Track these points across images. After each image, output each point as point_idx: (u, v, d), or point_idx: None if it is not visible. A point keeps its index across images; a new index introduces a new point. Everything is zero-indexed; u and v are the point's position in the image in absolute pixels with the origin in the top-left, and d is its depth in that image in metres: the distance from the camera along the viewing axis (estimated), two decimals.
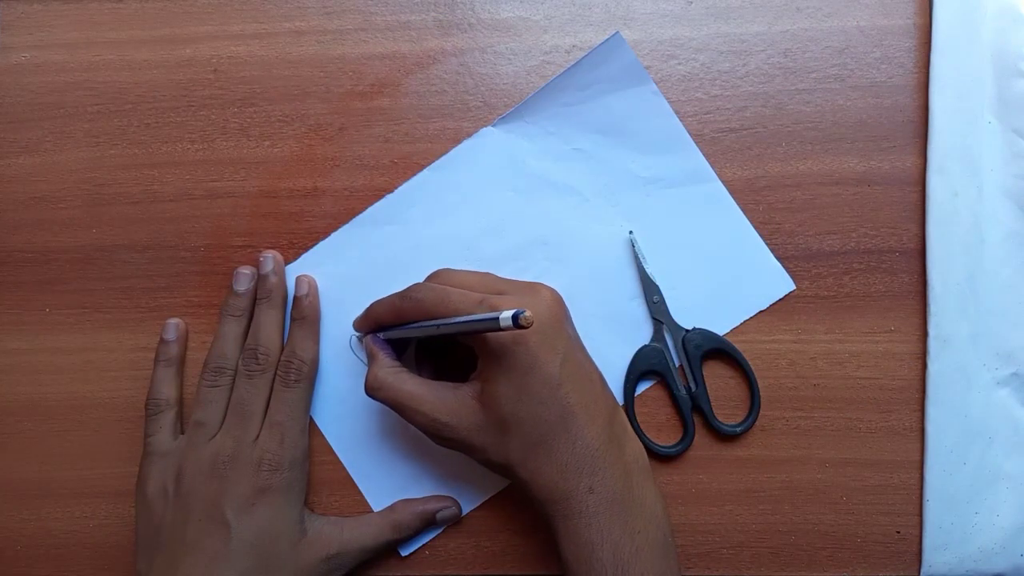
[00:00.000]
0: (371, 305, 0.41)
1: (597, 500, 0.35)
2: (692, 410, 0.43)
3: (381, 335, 0.41)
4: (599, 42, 0.44)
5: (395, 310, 0.39)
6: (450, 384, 0.38)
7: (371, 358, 0.40)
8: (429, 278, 0.41)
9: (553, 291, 0.39)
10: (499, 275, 0.41)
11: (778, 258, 0.44)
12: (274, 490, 0.40)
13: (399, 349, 0.42)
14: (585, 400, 0.37)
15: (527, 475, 0.36)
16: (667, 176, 0.44)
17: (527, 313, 0.32)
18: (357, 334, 0.44)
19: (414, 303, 0.38)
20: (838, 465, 0.43)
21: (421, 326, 0.38)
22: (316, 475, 0.44)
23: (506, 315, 0.32)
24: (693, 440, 0.43)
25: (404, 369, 0.40)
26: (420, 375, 0.40)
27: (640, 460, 0.38)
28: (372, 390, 0.39)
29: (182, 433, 0.43)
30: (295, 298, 0.44)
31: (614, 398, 0.39)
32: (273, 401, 0.42)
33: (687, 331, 0.43)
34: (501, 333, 0.35)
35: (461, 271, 0.41)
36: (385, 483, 0.43)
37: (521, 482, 0.37)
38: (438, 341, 0.42)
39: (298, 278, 0.44)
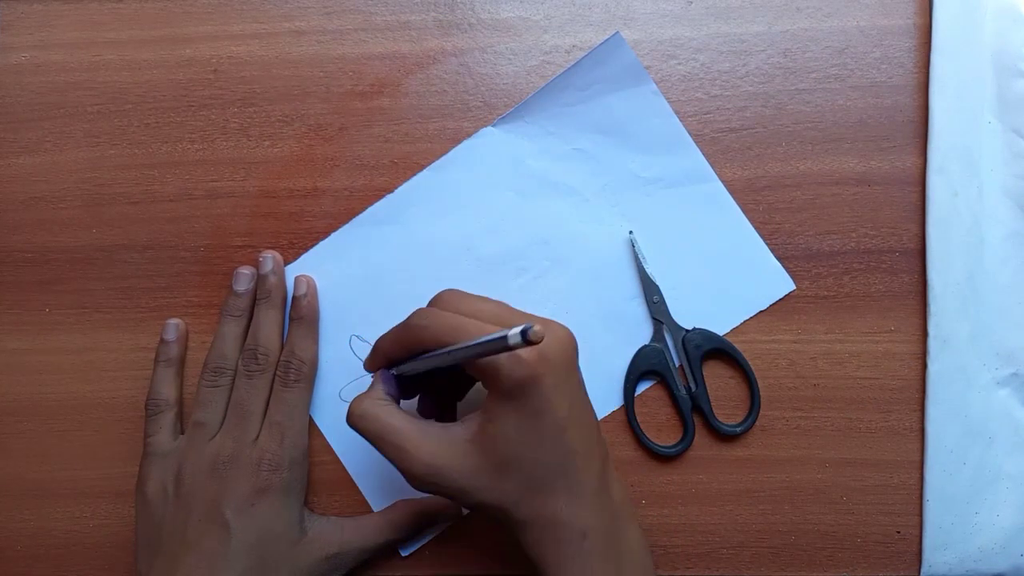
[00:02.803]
0: (376, 341, 0.39)
1: (591, 545, 0.35)
2: (692, 410, 0.43)
3: (393, 371, 0.39)
4: (599, 42, 0.44)
5: (399, 340, 0.37)
6: (439, 424, 0.37)
7: (368, 389, 0.38)
8: (433, 302, 0.38)
9: (567, 330, 0.37)
10: (509, 299, 0.39)
11: (778, 258, 0.44)
12: (274, 490, 0.40)
13: (410, 391, 0.40)
14: (586, 445, 0.36)
15: (522, 517, 0.35)
16: (667, 176, 0.44)
17: (536, 327, 0.30)
18: (357, 334, 0.44)
19: (419, 330, 0.36)
20: (838, 465, 0.43)
21: (432, 355, 0.36)
22: (316, 475, 0.44)
23: (515, 332, 0.30)
24: (693, 440, 0.43)
25: (392, 402, 0.37)
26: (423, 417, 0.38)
27: (626, 503, 0.38)
28: (354, 418, 0.36)
29: (182, 433, 0.43)
30: (294, 298, 0.44)
31: (605, 442, 0.39)
32: (273, 401, 0.42)
33: (687, 331, 0.43)
34: (515, 372, 0.34)
35: (471, 296, 0.38)
36: (385, 483, 0.43)
37: (514, 523, 0.36)
38: (447, 387, 0.40)
39: (297, 278, 0.44)
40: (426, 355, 0.36)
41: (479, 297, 0.38)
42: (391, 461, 0.36)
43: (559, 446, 0.35)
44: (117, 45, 0.46)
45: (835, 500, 0.43)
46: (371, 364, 0.39)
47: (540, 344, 0.33)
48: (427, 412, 0.41)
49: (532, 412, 0.34)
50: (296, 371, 0.42)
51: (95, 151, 0.45)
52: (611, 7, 0.45)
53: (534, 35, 0.45)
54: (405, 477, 0.36)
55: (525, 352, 0.34)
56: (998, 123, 0.44)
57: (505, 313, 0.37)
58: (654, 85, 0.45)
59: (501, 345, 0.31)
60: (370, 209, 0.45)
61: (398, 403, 0.38)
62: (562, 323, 0.37)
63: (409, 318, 0.37)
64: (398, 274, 0.44)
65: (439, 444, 0.35)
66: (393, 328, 0.38)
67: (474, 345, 0.33)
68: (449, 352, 0.35)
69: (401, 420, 0.36)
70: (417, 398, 0.41)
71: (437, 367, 0.36)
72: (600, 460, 0.37)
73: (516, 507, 0.35)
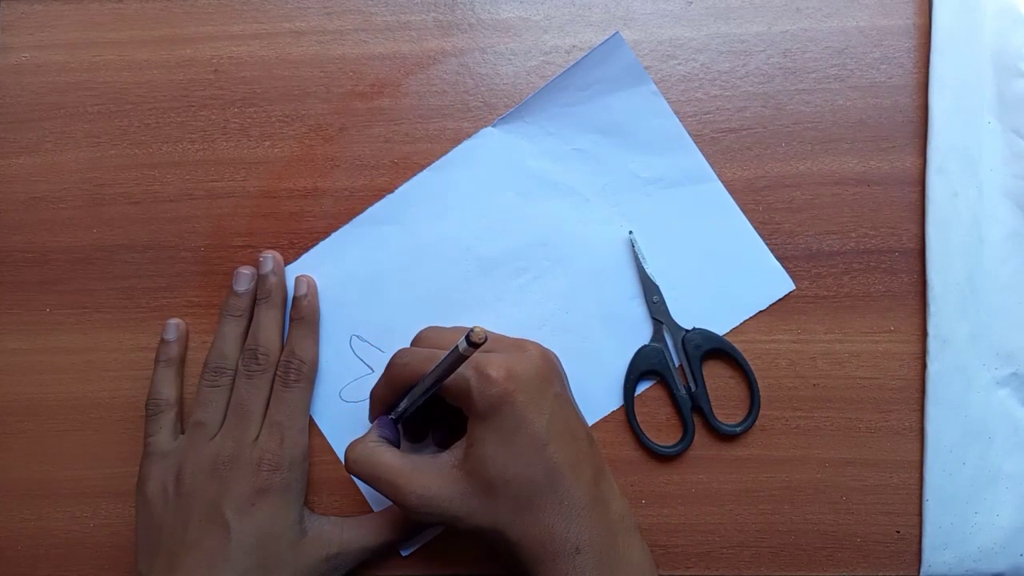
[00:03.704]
0: (371, 391, 0.40)
1: (584, 560, 0.35)
2: (692, 410, 0.43)
3: (392, 416, 0.40)
4: (599, 42, 0.44)
5: (387, 382, 0.39)
6: (428, 455, 0.38)
7: (363, 434, 0.40)
8: (414, 341, 0.40)
9: (541, 348, 0.38)
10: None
11: (778, 258, 0.44)
12: (274, 490, 0.40)
13: (419, 433, 0.42)
14: (571, 459, 0.36)
15: (516, 537, 0.36)
16: (667, 176, 0.45)
17: (476, 328, 0.31)
18: (357, 334, 0.44)
19: (400, 368, 0.38)
20: (838, 465, 0.43)
21: (413, 389, 0.38)
22: (316, 475, 0.44)
23: (461, 340, 0.32)
24: (693, 440, 0.43)
25: (384, 443, 0.38)
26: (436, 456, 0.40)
27: (626, 518, 0.38)
28: (349, 463, 0.38)
29: (182, 433, 0.43)
30: (294, 298, 0.44)
31: (600, 456, 0.39)
32: (273, 401, 0.42)
33: (687, 331, 0.43)
34: (485, 392, 0.35)
35: (447, 329, 0.40)
36: None
37: (509, 543, 0.36)
38: (452, 424, 0.41)
39: (297, 278, 0.44)
40: (413, 390, 0.38)
41: (456, 328, 0.40)
42: (388, 498, 0.37)
43: (541, 461, 0.36)
44: (117, 45, 0.46)
45: (835, 500, 0.43)
46: (371, 415, 0.41)
47: (510, 363, 0.36)
48: (444, 441, 0.42)
49: (509, 430, 0.35)
50: (296, 371, 0.42)
51: (96, 151, 0.45)
52: (611, 7, 0.45)
53: (534, 35, 0.45)
54: (402, 509, 0.37)
55: (494, 372, 0.35)
56: (998, 123, 0.44)
57: None
58: (654, 85, 0.45)
59: (456, 357, 0.33)
60: (370, 209, 0.45)
61: (397, 446, 0.39)
62: (537, 342, 0.39)
63: (391, 359, 0.39)
64: (398, 274, 0.44)
65: (429, 474, 0.37)
66: (381, 376, 0.39)
67: (437, 367, 0.35)
68: (423, 381, 0.36)
69: (392, 458, 0.37)
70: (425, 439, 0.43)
71: (423, 398, 0.37)
72: (591, 474, 0.37)
73: (509, 527, 0.36)
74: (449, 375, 0.35)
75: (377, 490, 0.37)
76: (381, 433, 0.39)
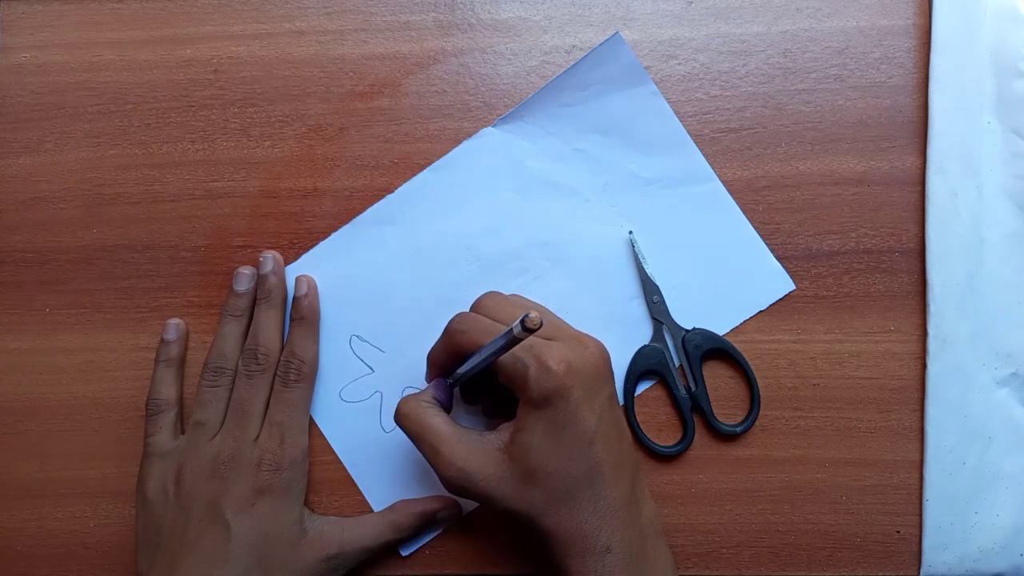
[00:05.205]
0: (428, 353, 0.40)
1: (613, 560, 0.35)
2: (692, 410, 0.43)
3: (448, 380, 0.40)
4: (599, 42, 0.44)
5: (444, 347, 0.39)
6: (476, 431, 0.38)
7: (420, 392, 0.40)
8: (473, 307, 0.40)
9: (600, 345, 0.38)
10: (551, 312, 0.40)
11: (778, 258, 0.44)
12: (274, 490, 0.40)
13: (475, 396, 0.42)
14: (613, 460, 0.36)
15: (548, 528, 0.36)
16: (667, 176, 0.45)
17: (532, 314, 0.31)
18: (357, 334, 0.44)
19: (457, 335, 0.38)
20: (838, 465, 0.43)
21: (469, 359, 0.38)
22: (316, 475, 0.44)
23: (516, 323, 0.32)
24: (693, 440, 0.43)
25: (437, 406, 0.39)
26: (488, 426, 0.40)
27: (656, 523, 0.38)
28: (398, 416, 0.38)
29: (182, 433, 0.43)
30: (294, 298, 0.44)
31: (637, 460, 0.39)
32: (273, 401, 0.42)
33: (687, 331, 0.43)
34: (543, 383, 0.35)
35: (508, 299, 0.40)
36: (385, 483, 0.43)
37: (540, 532, 0.36)
38: (504, 396, 0.41)
39: (297, 278, 0.44)
40: (469, 359, 0.38)
41: (516, 300, 0.40)
42: (427, 460, 0.38)
43: (585, 458, 0.36)
44: (117, 45, 0.46)
45: (835, 500, 0.43)
46: (428, 376, 0.41)
47: (570, 357, 0.36)
48: (491, 411, 0.43)
49: (559, 423, 0.36)
50: (296, 371, 0.42)
51: (96, 151, 0.45)
52: (611, 7, 0.45)
53: (534, 35, 0.45)
54: (438, 477, 0.37)
55: (554, 364, 0.35)
56: (998, 123, 0.44)
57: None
58: (654, 85, 0.45)
59: (510, 339, 0.33)
60: (370, 209, 0.45)
61: (448, 410, 0.40)
62: (597, 338, 0.38)
63: (449, 323, 0.39)
64: (398, 274, 0.44)
65: (473, 450, 0.37)
66: (439, 337, 0.39)
67: (490, 345, 0.35)
68: (479, 354, 0.36)
69: (441, 423, 0.38)
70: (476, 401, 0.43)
71: (476, 370, 0.37)
72: (629, 476, 0.37)
73: (542, 517, 0.36)
74: (502, 354, 0.35)
75: (418, 448, 0.38)
76: (435, 395, 0.39)
